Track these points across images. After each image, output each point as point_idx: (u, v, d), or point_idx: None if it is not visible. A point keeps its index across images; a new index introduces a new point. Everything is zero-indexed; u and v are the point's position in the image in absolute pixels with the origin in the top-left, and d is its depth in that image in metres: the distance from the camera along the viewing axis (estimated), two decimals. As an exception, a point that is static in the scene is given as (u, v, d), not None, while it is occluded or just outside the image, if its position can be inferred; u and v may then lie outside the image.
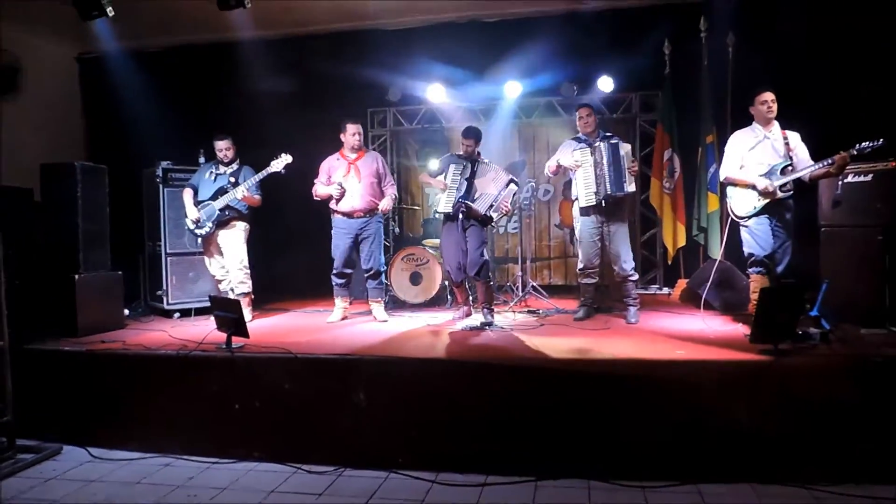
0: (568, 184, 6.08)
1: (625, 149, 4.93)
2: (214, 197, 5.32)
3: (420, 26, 6.75)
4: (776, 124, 4.60)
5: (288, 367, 3.87)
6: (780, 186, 4.44)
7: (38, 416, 4.09)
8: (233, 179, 5.35)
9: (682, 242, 6.55)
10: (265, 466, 3.73)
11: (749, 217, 4.58)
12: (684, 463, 3.40)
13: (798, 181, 4.47)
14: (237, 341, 4.14)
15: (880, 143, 4.11)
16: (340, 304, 5.41)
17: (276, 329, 5.07)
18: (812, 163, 4.42)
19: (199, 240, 5.43)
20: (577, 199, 5.10)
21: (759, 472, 3.34)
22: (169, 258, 5.74)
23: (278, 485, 3.48)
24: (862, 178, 4.49)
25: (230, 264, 5.42)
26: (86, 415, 4.12)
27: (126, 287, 5.41)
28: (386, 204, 5.30)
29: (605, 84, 6.74)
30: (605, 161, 4.88)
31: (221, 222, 5.35)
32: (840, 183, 4.58)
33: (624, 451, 3.46)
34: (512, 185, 5.08)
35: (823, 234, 4.78)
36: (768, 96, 4.56)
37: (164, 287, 5.70)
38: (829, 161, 4.25)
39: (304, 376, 3.85)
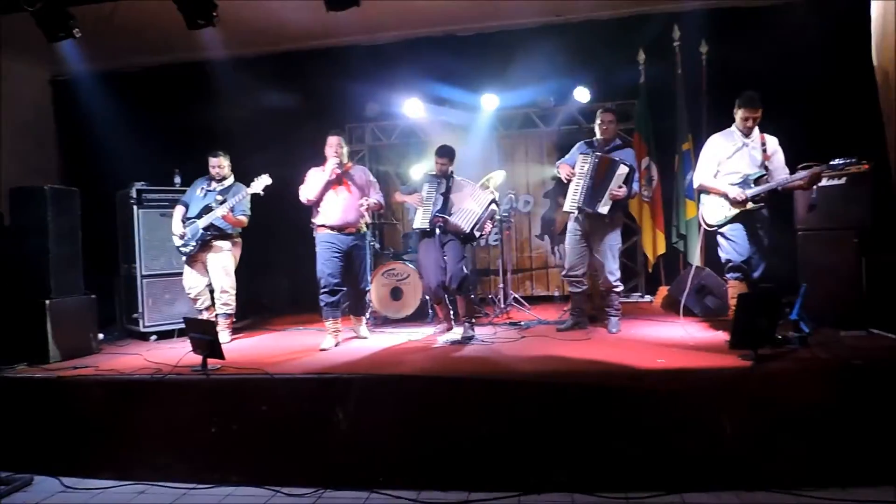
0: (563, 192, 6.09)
1: (621, 170, 4.78)
2: (200, 215, 5.28)
3: (396, 42, 6.75)
4: (756, 129, 4.46)
5: (264, 388, 3.80)
6: (752, 197, 4.34)
7: (8, 446, 3.98)
8: (220, 198, 5.29)
9: (661, 250, 6.57)
10: (243, 490, 3.64)
11: (720, 226, 4.50)
12: (668, 472, 3.36)
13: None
14: (213, 363, 4.07)
15: (853, 161, 4.09)
16: (332, 327, 5.00)
17: (254, 350, 4.99)
18: (787, 172, 4.36)
19: (184, 257, 5.38)
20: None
21: (744, 478, 3.31)
22: (144, 280, 5.64)
23: (256, 509, 3.40)
24: (836, 182, 4.51)
25: (216, 285, 5.37)
26: (58, 443, 4.00)
27: (101, 310, 5.32)
28: (372, 202, 5.07)
29: (582, 95, 6.77)
30: (587, 174, 4.85)
31: (205, 241, 5.29)
32: (815, 187, 4.59)
33: (607, 463, 3.43)
34: (493, 206, 5.08)
35: (800, 237, 4.81)
36: (749, 113, 4.37)
37: (140, 309, 5.61)
38: (802, 175, 4.19)
39: (281, 397, 3.78)
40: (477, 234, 5.05)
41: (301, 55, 6.83)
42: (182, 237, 5.28)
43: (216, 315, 5.39)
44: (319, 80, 6.85)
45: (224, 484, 3.71)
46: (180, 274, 5.67)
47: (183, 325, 5.42)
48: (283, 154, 6.21)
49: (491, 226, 5.19)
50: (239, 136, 6.49)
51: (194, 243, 5.27)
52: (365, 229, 5.23)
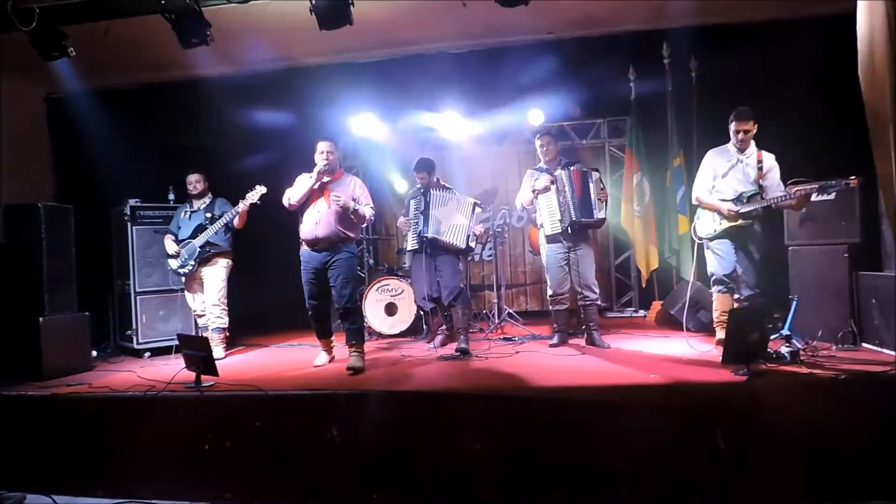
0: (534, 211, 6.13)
1: (594, 176, 4.98)
2: (194, 235, 5.37)
3: (390, 59, 6.80)
4: (752, 145, 4.51)
5: (258, 404, 3.79)
6: (744, 213, 4.40)
7: (0, 464, 3.94)
8: (208, 215, 5.41)
9: (654, 265, 6.60)
10: (237, 508, 3.64)
11: (710, 239, 4.57)
12: (661, 488, 3.36)
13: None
14: (207, 380, 4.06)
15: (845, 182, 4.10)
16: (325, 344, 4.89)
17: (248, 366, 4.98)
18: (782, 189, 4.38)
19: (183, 277, 5.45)
20: (542, 226, 5.14)
21: (735, 494, 3.31)
22: (138, 297, 5.63)
23: (250, 527, 3.39)
24: (826, 197, 4.55)
25: (208, 299, 5.43)
26: (50, 461, 3.96)
27: (95, 327, 5.33)
28: (355, 206, 4.57)
29: (574, 111, 6.84)
30: (566, 188, 4.93)
31: (203, 259, 5.38)
32: (806, 202, 4.64)
33: (600, 479, 3.42)
34: (477, 210, 5.20)
35: (791, 252, 4.86)
36: (743, 125, 4.42)
37: (134, 326, 5.59)
38: (793, 195, 4.21)
39: (275, 414, 3.77)
40: (472, 244, 5.11)
41: (291, 72, 6.85)
42: (177, 256, 5.34)
43: (211, 329, 5.43)
44: (312, 98, 6.87)
45: (218, 501, 3.69)
46: (174, 291, 5.75)
47: (177, 343, 5.44)
48: (275, 169, 6.20)
49: (482, 228, 5.24)
50: (230, 152, 6.53)
51: (193, 262, 5.36)
52: (348, 245, 4.63)
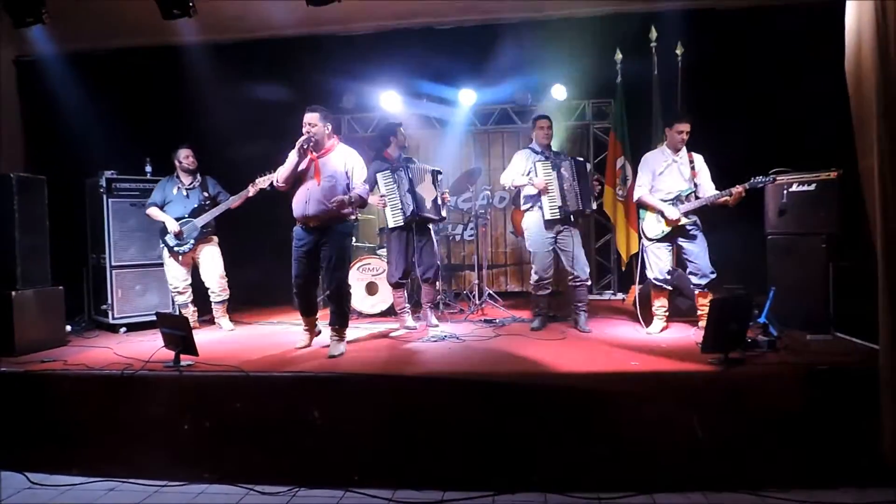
0: (517, 193, 6.12)
1: (590, 168, 5.11)
2: (194, 214, 5.36)
3: (374, 32, 6.67)
4: (684, 147, 4.81)
5: (238, 385, 3.76)
6: (686, 213, 4.70)
7: (-28, 442, 3.89)
8: (206, 194, 5.45)
9: (634, 249, 6.63)
10: (216, 488, 3.61)
11: (658, 240, 4.83)
12: (639, 473, 3.42)
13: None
14: (186, 359, 4.01)
15: (770, 179, 4.49)
16: (307, 324, 4.69)
17: (228, 345, 4.90)
18: (713, 188, 4.73)
19: (168, 252, 5.38)
20: (528, 208, 5.15)
21: (711, 479, 3.39)
22: (114, 271, 5.52)
23: (230, 508, 3.38)
24: (806, 188, 4.63)
25: (214, 276, 5.47)
26: (24, 439, 3.90)
27: (69, 301, 5.20)
28: (349, 198, 4.32)
29: (559, 92, 6.81)
30: (572, 177, 5.01)
31: (201, 238, 5.40)
32: (785, 192, 4.73)
33: (580, 464, 3.47)
34: (439, 177, 5.30)
35: (769, 241, 4.92)
36: (687, 126, 4.73)
37: (109, 301, 5.48)
38: (728, 193, 4.54)
39: (255, 395, 3.75)
40: (444, 213, 5.33)
41: (277, 43, 6.68)
42: (178, 236, 5.30)
43: (217, 303, 5.52)
44: (295, 69, 6.73)
45: (196, 482, 3.67)
46: (151, 265, 5.65)
47: (150, 318, 5.37)
48: (258, 145, 6.09)
49: (447, 194, 5.41)
50: (211, 124, 6.38)
51: (192, 241, 5.36)
52: (341, 224, 4.43)
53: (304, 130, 4.30)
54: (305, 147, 4.27)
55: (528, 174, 5.09)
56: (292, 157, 4.36)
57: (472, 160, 7.46)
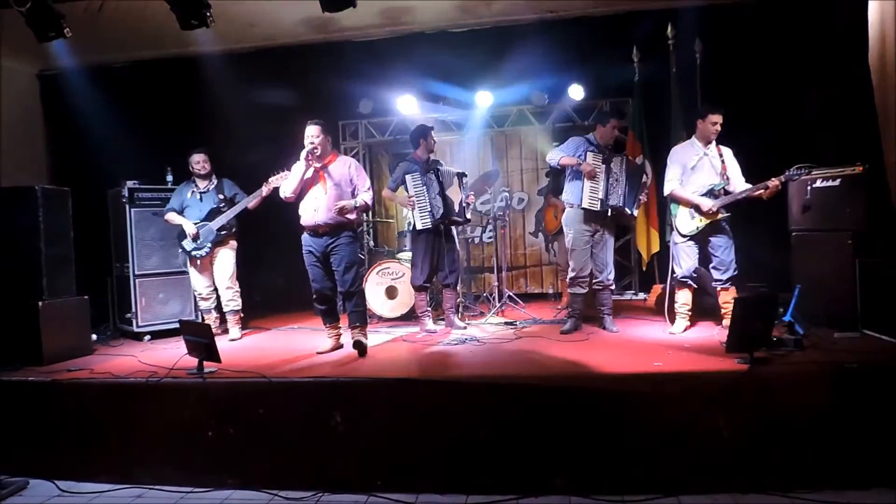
0: (555, 189, 6.09)
1: (646, 179, 5.00)
2: (209, 217, 5.37)
3: (390, 38, 6.69)
4: (714, 141, 4.71)
5: (261, 391, 3.78)
6: (723, 207, 4.59)
7: (2, 449, 3.95)
8: (221, 197, 5.43)
9: (655, 248, 6.58)
10: (241, 494, 3.64)
11: (692, 236, 4.72)
12: (665, 475, 3.38)
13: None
14: (209, 366, 4.05)
15: (805, 171, 4.37)
16: (330, 331, 4.80)
17: (250, 351, 4.95)
18: (744, 182, 4.62)
19: (188, 259, 5.42)
20: (572, 205, 4.97)
21: (739, 481, 3.34)
22: (137, 280, 5.59)
23: (255, 513, 3.40)
24: (830, 183, 4.55)
25: (222, 282, 5.47)
26: (53, 447, 3.97)
27: (94, 310, 5.28)
28: (351, 204, 4.55)
29: (576, 92, 6.79)
30: (622, 174, 4.84)
31: (217, 242, 5.41)
32: (809, 188, 4.65)
33: (604, 466, 3.44)
34: (465, 179, 5.36)
35: (794, 238, 4.85)
36: (720, 118, 4.60)
37: (133, 309, 5.55)
38: (764, 186, 4.41)
39: (278, 401, 3.77)
40: (468, 215, 5.42)
41: (295, 51, 6.75)
42: (195, 239, 5.32)
43: (226, 312, 5.51)
44: (312, 76, 6.78)
45: (222, 488, 3.71)
46: (173, 274, 5.70)
47: (174, 326, 5.42)
48: (275, 150, 6.12)
49: (473, 196, 5.48)
50: (230, 132, 6.45)
51: (209, 244, 5.36)
52: (349, 229, 4.63)
53: (307, 143, 4.52)
54: (310, 158, 4.49)
55: (578, 156, 4.92)
56: (297, 169, 4.56)
57: (490, 162, 7.45)
